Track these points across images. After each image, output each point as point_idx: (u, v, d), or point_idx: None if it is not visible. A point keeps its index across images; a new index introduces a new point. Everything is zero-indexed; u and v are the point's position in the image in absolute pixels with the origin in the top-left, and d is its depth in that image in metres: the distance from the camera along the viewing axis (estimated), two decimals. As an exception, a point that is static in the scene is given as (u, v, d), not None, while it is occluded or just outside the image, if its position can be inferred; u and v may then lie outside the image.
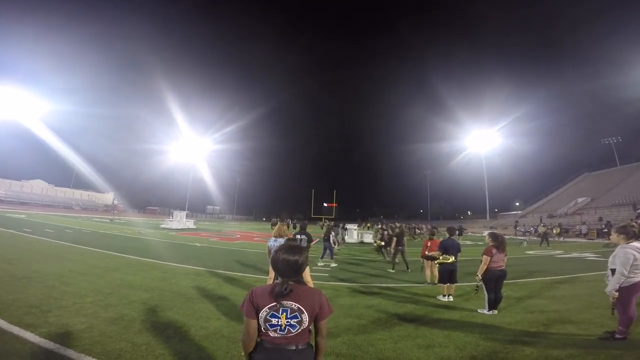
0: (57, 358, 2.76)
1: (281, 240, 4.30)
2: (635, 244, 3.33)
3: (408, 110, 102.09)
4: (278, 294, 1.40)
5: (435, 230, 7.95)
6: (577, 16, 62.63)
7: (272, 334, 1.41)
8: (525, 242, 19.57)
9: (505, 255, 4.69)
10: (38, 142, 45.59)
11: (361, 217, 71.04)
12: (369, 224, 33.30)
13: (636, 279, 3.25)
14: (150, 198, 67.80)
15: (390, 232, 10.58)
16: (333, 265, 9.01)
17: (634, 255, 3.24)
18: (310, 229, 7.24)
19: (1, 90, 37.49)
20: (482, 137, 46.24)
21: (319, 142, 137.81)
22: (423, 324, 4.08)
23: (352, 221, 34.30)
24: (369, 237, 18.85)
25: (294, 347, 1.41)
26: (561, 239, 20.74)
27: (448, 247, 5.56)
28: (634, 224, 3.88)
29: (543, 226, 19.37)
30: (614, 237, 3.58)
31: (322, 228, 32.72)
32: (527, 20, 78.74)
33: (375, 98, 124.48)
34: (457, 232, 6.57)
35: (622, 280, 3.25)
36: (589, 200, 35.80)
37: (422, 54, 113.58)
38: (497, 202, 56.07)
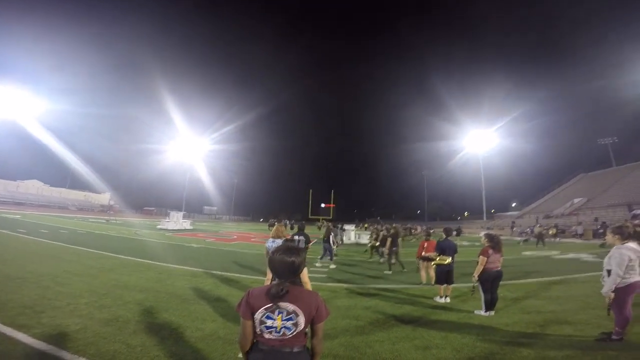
0: (50, 359, 2.73)
1: (279, 241, 4.28)
2: (631, 244, 3.35)
3: (406, 110, 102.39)
4: (274, 295, 1.39)
5: (431, 231, 7.96)
6: (577, 16, 63.04)
7: (267, 335, 1.39)
8: (522, 243, 19.75)
9: (501, 256, 4.71)
10: (34, 142, 45.16)
11: (359, 217, 71.06)
12: (366, 225, 33.29)
13: (632, 280, 3.26)
14: (147, 198, 67.46)
15: (386, 233, 10.58)
16: (332, 267, 9.00)
17: (630, 256, 3.25)
18: (307, 229, 7.23)
19: (-2, 89, 37.15)
20: (479, 137, 46.41)
21: (317, 142, 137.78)
22: (420, 325, 4.07)
23: (349, 222, 34.28)
24: (366, 238, 18.84)
25: (289, 350, 1.39)
26: (557, 239, 20.85)
27: (445, 248, 5.56)
28: (629, 224, 3.89)
29: (539, 227, 19.50)
30: (609, 237, 3.60)
31: (319, 229, 32.74)
32: (526, 20, 79.23)
33: (374, 98, 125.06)
34: (454, 233, 6.58)
35: (618, 281, 3.27)
36: (585, 200, 36.01)
37: (422, 54, 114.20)
38: (494, 203, 56.37)
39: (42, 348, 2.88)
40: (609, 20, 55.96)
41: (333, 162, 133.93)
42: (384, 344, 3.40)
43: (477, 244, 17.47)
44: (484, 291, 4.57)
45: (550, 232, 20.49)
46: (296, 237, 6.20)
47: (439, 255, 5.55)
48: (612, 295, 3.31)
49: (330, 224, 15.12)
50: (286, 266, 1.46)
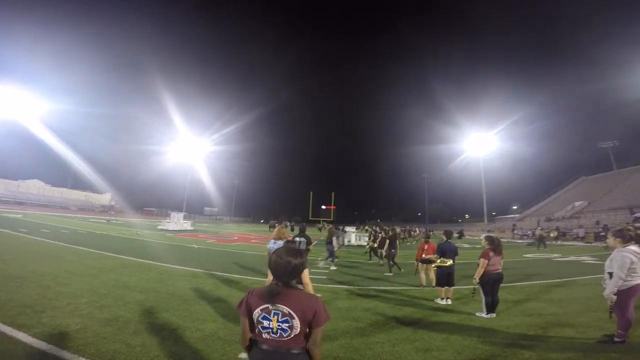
0: (50, 359, 2.72)
1: (281, 243, 4.28)
2: (632, 247, 3.34)
3: (407, 112, 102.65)
4: (268, 296, 1.41)
5: (431, 232, 7.95)
6: (577, 17, 63.00)
7: (265, 335, 1.40)
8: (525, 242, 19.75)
9: (502, 259, 4.70)
10: (35, 142, 45.25)
11: (359, 219, 70.95)
12: (366, 227, 33.27)
13: (634, 282, 3.26)
14: (148, 199, 67.40)
15: (384, 235, 10.57)
16: (332, 268, 9.00)
17: (631, 258, 3.25)
18: (308, 231, 7.22)
19: (-1, 89, 37.32)
20: (480, 140, 46.44)
21: (317, 142, 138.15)
22: (421, 327, 4.06)
23: (350, 224, 34.25)
24: (365, 240, 18.83)
25: (286, 351, 1.39)
26: (558, 242, 20.81)
27: (445, 251, 5.55)
28: (630, 227, 3.88)
29: (540, 229, 19.47)
30: (610, 240, 3.59)
31: (320, 230, 32.64)
32: (526, 20, 79.29)
33: (374, 98, 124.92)
34: (456, 235, 6.57)
35: (620, 283, 3.26)
36: (586, 204, 35.95)
37: (422, 54, 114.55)
38: (495, 206, 56.33)
39: (42, 347, 2.88)
40: (609, 20, 55.99)
41: (333, 162, 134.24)
42: (385, 345, 3.38)
43: (477, 246, 17.44)
44: (485, 293, 4.56)
45: (552, 235, 20.46)
46: (297, 239, 6.19)
47: (440, 257, 5.55)
48: (614, 297, 3.31)
49: (332, 226, 15.11)
50: (285, 268, 1.46)
